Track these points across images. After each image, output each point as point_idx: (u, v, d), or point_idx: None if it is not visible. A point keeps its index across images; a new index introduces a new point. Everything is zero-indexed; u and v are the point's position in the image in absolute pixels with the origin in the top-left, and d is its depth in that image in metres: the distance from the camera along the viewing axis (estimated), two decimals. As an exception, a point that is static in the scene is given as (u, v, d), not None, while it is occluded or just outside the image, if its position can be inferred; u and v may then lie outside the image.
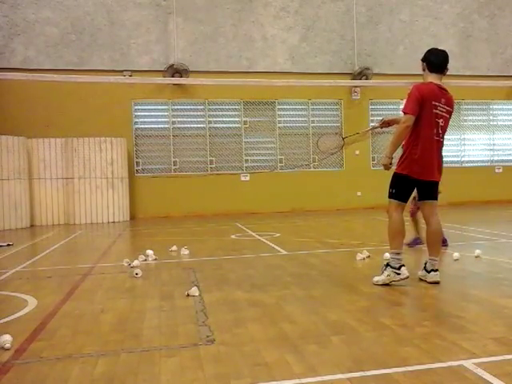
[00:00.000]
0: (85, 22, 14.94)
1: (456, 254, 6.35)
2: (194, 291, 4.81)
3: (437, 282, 4.97)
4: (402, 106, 5.06)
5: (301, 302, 4.53)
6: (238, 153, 16.01)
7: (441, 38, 16.96)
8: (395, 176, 5.06)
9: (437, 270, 5.02)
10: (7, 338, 3.45)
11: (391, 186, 5.08)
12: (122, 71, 14.86)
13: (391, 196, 5.09)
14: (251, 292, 4.94)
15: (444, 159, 5.14)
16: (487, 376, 2.71)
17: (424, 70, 5.10)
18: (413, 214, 7.53)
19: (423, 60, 5.12)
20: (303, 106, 16.42)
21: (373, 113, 16.58)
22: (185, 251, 7.53)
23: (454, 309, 4.12)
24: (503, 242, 7.87)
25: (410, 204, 7.64)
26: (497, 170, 17.41)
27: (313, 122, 16.35)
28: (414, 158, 4.90)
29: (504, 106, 17.78)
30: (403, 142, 5.01)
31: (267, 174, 15.88)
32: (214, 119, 15.93)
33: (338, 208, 15.61)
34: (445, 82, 5.16)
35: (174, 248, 7.80)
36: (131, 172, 14.95)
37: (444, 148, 5.13)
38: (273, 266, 6.43)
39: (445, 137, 5.09)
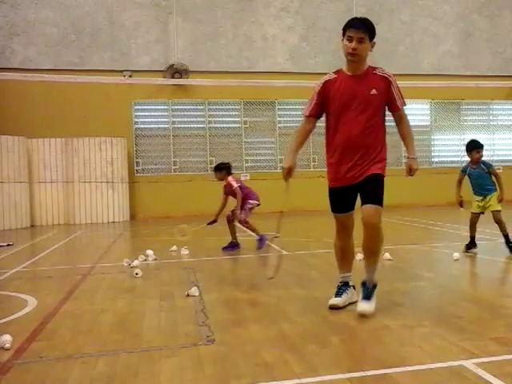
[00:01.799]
0: (85, 22, 14.94)
1: (456, 254, 6.34)
2: (194, 291, 4.80)
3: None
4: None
5: (301, 302, 4.53)
6: (238, 153, 16.01)
7: (441, 38, 16.97)
8: (383, 180, 4.11)
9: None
10: (7, 337, 3.45)
11: (382, 192, 4.08)
12: (121, 71, 14.86)
13: (381, 202, 4.07)
14: (251, 292, 4.94)
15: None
16: (487, 376, 2.70)
17: (372, 47, 4.19)
18: (232, 221, 7.80)
19: (374, 34, 4.16)
20: (303, 106, 16.38)
21: (373, 113, 16.56)
22: (185, 251, 7.53)
23: (454, 309, 4.12)
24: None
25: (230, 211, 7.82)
26: (497, 170, 17.38)
27: (313, 122, 16.33)
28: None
29: (504, 106, 17.76)
30: (372, 143, 4.09)
31: (267, 174, 15.87)
32: (214, 119, 15.93)
33: (338, 208, 15.58)
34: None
35: (174, 248, 7.80)
36: (131, 172, 14.95)
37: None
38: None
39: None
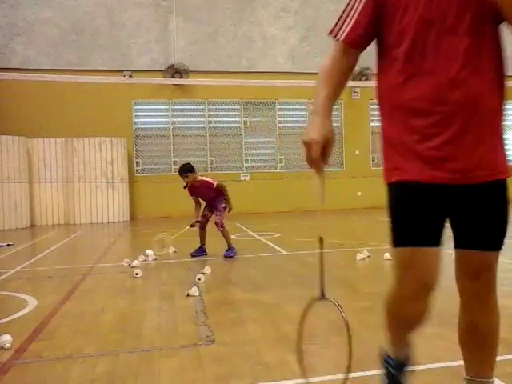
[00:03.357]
0: (85, 22, 14.95)
1: (456, 254, 6.33)
2: (194, 291, 4.80)
3: None
4: None
5: (301, 301, 4.51)
6: (238, 153, 16.02)
7: (441, 38, 16.95)
8: None
9: None
10: (7, 337, 3.44)
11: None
12: (121, 71, 14.88)
13: None
14: (251, 292, 4.93)
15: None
16: (487, 376, 2.70)
17: None
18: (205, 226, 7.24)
19: None
20: (303, 106, 16.43)
21: (373, 113, 16.58)
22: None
23: (454, 309, 4.11)
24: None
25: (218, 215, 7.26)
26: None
27: (313, 122, 16.35)
28: None
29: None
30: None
31: (267, 174, 15.89)
32: (214, 119, 15.95)
33: (337, 208, 15.60)
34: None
35: (172, 249, 7.76)
36: (131, 172, 14.96)
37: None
38: (273, 265, 6.43)
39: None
